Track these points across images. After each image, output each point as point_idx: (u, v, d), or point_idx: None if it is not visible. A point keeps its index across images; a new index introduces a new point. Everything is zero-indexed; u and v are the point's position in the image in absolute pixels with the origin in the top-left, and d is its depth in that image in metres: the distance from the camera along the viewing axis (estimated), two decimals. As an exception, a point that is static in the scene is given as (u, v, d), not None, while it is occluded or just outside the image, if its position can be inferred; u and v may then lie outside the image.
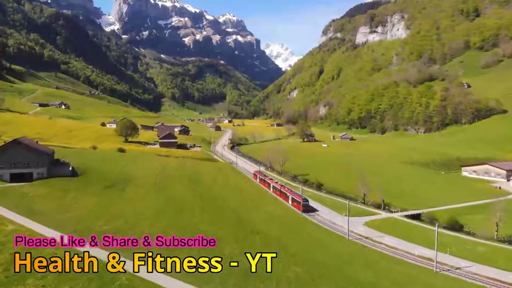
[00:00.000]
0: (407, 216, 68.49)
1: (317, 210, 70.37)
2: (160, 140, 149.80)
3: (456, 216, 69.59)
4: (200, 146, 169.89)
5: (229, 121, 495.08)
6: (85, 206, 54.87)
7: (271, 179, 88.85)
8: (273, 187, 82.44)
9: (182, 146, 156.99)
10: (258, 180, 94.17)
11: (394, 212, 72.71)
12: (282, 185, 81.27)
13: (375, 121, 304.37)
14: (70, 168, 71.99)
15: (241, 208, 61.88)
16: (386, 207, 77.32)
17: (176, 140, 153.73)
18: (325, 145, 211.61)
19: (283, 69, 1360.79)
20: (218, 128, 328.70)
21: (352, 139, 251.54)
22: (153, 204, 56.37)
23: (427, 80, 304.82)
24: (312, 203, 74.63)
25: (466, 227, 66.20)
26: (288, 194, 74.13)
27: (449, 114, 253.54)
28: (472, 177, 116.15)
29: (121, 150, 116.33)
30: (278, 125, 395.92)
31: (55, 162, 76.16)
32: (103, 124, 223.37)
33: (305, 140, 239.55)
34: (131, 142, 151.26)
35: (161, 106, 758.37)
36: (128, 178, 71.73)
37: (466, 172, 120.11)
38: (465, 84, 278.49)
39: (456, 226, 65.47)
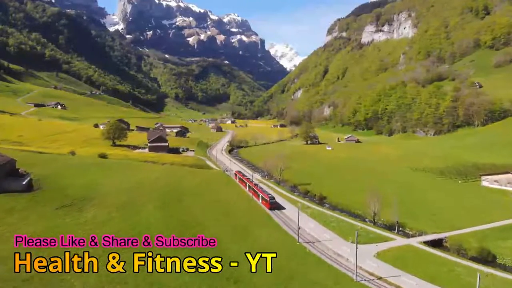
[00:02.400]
0: (426, 243, 56.29)
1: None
2: (149, 144, 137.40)
3: (486, 242, 57.44)
4: (193, 150, 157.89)
5: (232, 122, 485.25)
6: (26, 234, 43.58)
7: (248, 178, 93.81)
8: (249, 186, 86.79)
9: (173, 150, 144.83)
10: (238, 179, 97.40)
11: (411, 236, 60.62)
12: (255, 184, 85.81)
13: (382, 122, 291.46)
14: (25, 182, 60.99)
15: (223, 239, 49.99)
16: (401, 229, 65.31)
17: (167, 144, 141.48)
18: (330, 148, 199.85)
19: (287, 69, 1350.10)
20: (219, 129, 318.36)
21: (358, 141, 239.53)
22: (110, 234, 44.92)
23: (436, 80, 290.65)
24: (312, 224, 64.64)
25: (500, 258, 53.94)
26: (259, 193, 78.78)
27: (461, 116, 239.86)
28: (494, 188, 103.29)
29: (102, 156, 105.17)
30: (282, 126, 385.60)
31: (12, 173, 65.29)
32: (96, 126, 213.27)
33: (309, 142, 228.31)
34: (119, 145, 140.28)
35: (164, 107, 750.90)
36: (93, 194, 60.48)
37: (487, 181, 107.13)
38: (477, 84, 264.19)
39: (488, 258, 53.21)
